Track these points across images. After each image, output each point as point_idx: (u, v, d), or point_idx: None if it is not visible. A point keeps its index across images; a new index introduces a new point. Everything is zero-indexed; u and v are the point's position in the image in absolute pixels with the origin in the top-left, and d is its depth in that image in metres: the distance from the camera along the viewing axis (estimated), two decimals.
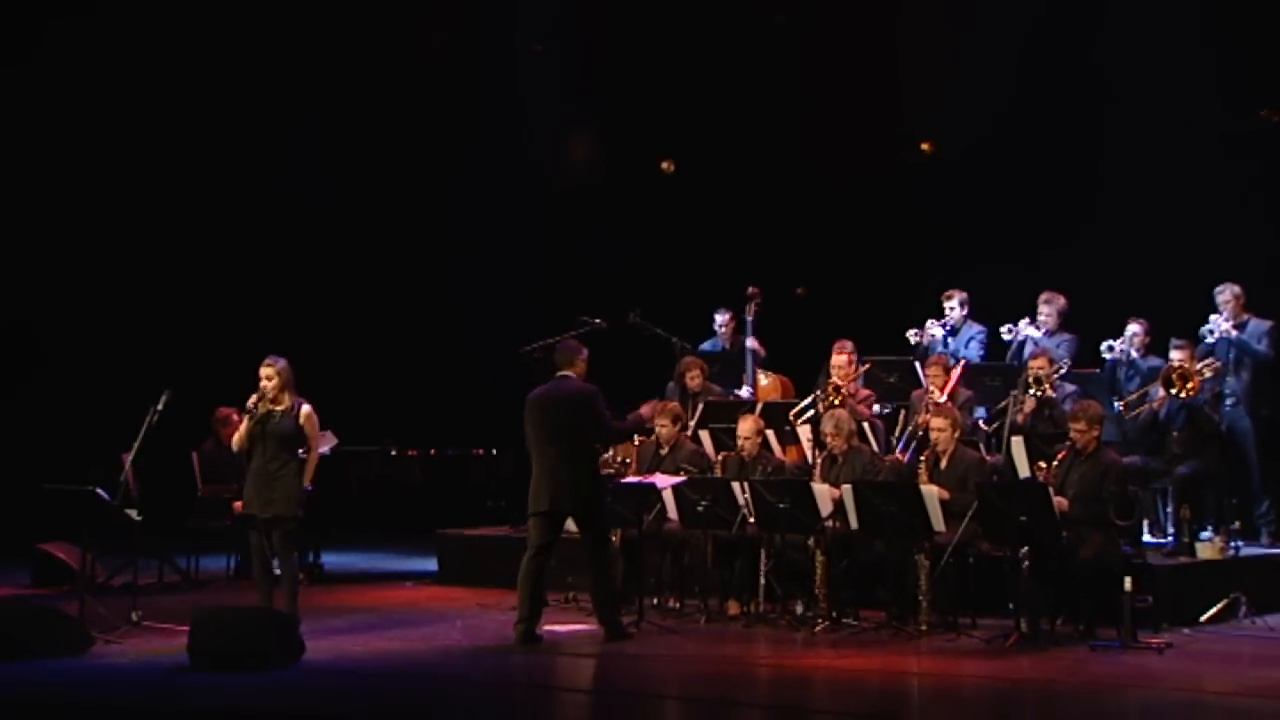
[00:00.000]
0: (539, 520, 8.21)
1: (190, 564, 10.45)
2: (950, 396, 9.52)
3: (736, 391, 10.70)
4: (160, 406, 8.51)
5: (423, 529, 11.29)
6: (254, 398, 8.18)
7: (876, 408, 10.06)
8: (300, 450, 8.22)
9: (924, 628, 8.22)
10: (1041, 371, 9.27)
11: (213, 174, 12.86)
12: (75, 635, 7.87)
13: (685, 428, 9.60)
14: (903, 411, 9.84)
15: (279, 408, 8.16)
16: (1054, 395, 9.29)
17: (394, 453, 11.11)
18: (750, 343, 10.67)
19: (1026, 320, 10.08)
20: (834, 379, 9.74)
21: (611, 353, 8.94)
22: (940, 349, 10.30)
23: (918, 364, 10.12)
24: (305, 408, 8.19)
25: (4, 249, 12.42)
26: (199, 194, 12.88)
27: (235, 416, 9.08)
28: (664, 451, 9.33)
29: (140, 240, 12.80)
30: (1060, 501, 7.97)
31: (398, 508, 11.52)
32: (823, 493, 8.48)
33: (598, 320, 10.84)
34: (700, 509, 8.66)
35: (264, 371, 8.19)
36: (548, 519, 8.18)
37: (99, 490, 8.55)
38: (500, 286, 13.37)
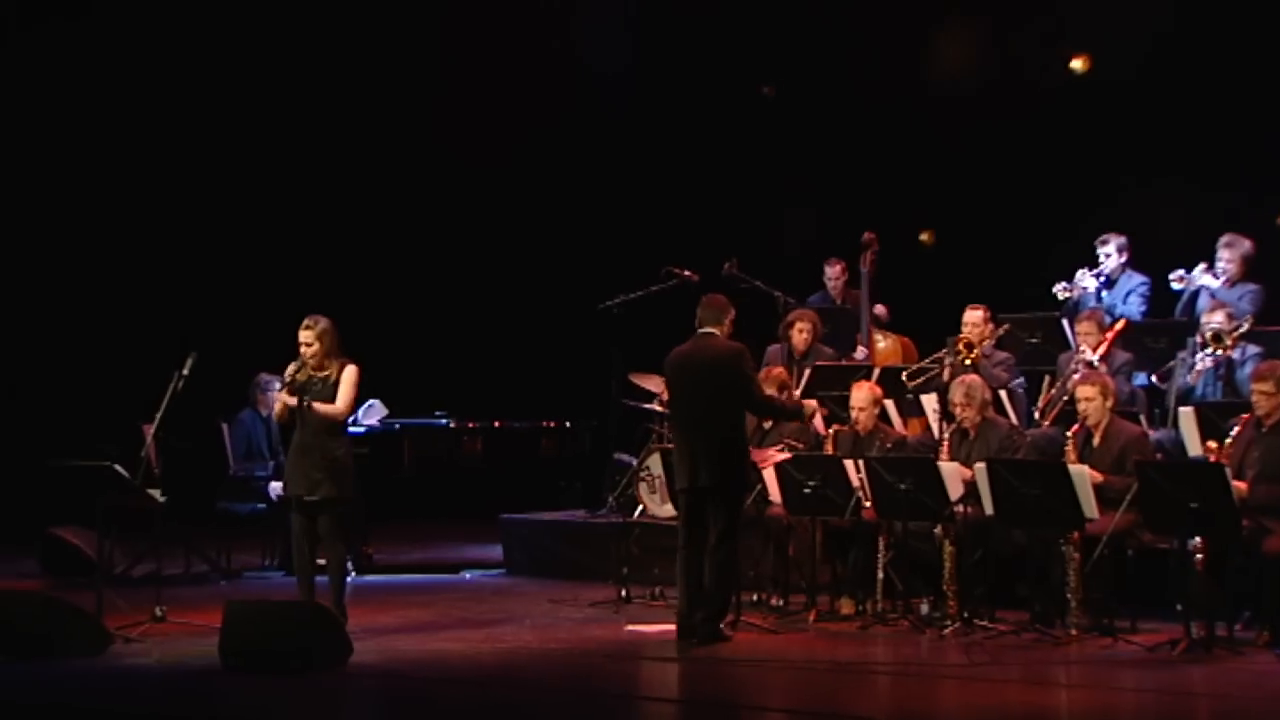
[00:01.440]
0: (681, 501, 8.35)
1: (221, 553, 10.56)
2: (1104, 359, 9.35)
3: (850, 354, 10.58)
4: (185, 371, 8.58)
5: (485, 513, 11.36)
6: (293, 365, 8.25)
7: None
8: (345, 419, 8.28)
9: (1073, 632, 8.14)
10: (1220, 328, 9.08)
11: (254, 118, 12.99)
12: (91, 632, 7.98)
13: (790, 396, 9.50)
14: (1047, 378, 9.69)
15: (321, 374, 8.20)
16: (1234, 357, 9.10)
17: (453, 426, 11.16)
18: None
19: (1203, 267, 9.83)
20: (965, 335, 9.58)
21: None
22: (1093, 303, 10.10)
23: (1065, 322, 9.94)
24: (350, 368, 8.22)
25: (11, 200, 12.63)
26: (236, 138, 13.00)
27: (276, 384, 9.16)
28: (767, 424, 9.24)
29: (164, 182, 12.97)
30: (1239, 485, 7.78)
31: (457, 489, 11.59)
32: (952, 473, 8.40)
33: (688, 273, 10.77)
34: (808, 491, 8.61)
35: (303, 335, 8.26)
36: (689, 498, 8.23)
37: (117, 467, 8.65)
38: (575, 234, 13.34)
